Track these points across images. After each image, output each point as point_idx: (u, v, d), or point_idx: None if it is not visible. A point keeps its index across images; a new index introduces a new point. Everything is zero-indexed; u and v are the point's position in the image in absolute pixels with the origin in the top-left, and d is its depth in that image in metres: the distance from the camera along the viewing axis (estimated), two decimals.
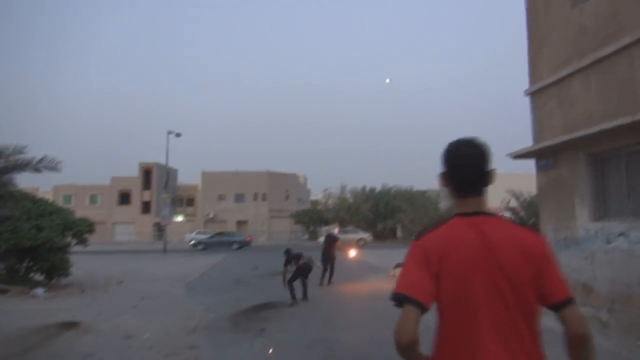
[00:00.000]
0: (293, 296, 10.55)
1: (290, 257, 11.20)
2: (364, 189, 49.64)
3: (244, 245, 37.04)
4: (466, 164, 1.69)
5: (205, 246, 36.55)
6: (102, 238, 50.82)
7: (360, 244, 34.19)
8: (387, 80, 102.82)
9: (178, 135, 35.94)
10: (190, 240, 38.85)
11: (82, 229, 13.98)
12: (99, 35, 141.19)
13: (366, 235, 38.33)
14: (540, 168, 8.66)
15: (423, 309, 1.54)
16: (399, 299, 1.57)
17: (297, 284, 10.84)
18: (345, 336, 7.34)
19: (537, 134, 8.77)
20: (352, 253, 18.58)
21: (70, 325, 8.19)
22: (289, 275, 10.96)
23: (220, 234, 40.00)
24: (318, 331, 7.73)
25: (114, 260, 25.42)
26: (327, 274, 13.92)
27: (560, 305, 1.57)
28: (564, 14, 8.10)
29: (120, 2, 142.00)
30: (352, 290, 12.82)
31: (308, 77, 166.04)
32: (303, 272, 11.08)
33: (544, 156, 8.49)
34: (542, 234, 1.68)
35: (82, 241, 14.25)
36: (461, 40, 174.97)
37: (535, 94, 8.86)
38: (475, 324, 1.55)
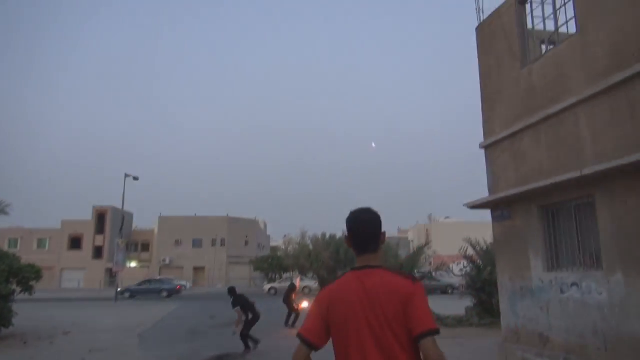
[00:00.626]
0: (247, 345, 10.57)
1: (238, 298, 10.92)
2: (324, 235, 49.39)
3: (173, 293, 35.36)
4: (361, 229, 2.09)
5: (132, 294, 35.01)
6: (50, 285, 48.11)
7: (305, 292, 36.32)
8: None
9: (135, 178, 35.17)
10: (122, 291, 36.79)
11: (28, 276, 13.22)
12: (56, 73, 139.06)
13: (312, 283, 39.09)
14: (495, 219, 8.91)
15: (312, 347, 2.02)
16: (299, 338, 2.04)
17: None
18: None
19: (492, 186, 9.07)
20: (305, 305, 18.52)
21: None
22: (241, 326, 10.71)
23: (149, 281, 38.36)
24: None
25: (62, 309, 24.00)
26: (293, 316, 14.81)
27: (420, 337, 1.81)
28: (514, 74, 8.60)
29: (80, 37, 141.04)
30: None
31: (270, 123, 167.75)
32: (256, 321, 11.07)
33: (499, 207, 8.76)
34: (413, 277, 2.03)
35: (28, 289, 13.46)
36: (430, 92, 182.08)
37: (489, 148, 9.23)
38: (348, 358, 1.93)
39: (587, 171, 6.39)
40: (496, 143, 9.01)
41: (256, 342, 10.80)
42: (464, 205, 9.52)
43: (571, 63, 7.27)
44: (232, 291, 11.14)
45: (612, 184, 6.40)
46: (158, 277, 51.09)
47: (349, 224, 2.11)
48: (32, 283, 13.51)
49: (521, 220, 8.25)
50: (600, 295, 6.49)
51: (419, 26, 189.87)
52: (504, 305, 8.61)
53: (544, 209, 7.83)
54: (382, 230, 2.10)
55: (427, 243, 15.70)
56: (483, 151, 9.52)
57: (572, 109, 7.14)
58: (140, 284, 37.25)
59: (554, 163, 7.48)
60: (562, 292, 7.20)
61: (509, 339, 8.37)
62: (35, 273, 13.52)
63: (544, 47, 8.94)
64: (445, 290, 31.38)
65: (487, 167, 9.28)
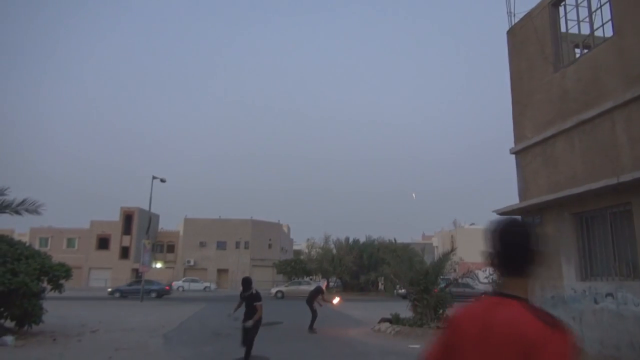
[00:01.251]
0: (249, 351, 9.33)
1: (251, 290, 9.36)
2: (347, 240, 49.32)
3: (162, 294, 35.65)
4: (508, 246, 1.70)
5: (122, 294, 35.45)
6: (78, 283, 49.18)
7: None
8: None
9: (163, 180, 35.72)
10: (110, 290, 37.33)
11: (58, 275, 13.49)
12: (85, 74, 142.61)
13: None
14: None
15: None
16: None
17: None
18: None
19: (523, 192, 8.89)
20: (336, 300, 19.07)
21: None
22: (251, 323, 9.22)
23: (138, 281, 38.78)
24: None
25: (89, 307, 24.49)
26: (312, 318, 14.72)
27: None
28: (546, 78, 8.42)
29: (108, 38, 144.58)
30: (338, 344, 12.45)
31: (295, 129, 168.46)
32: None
33: (529, 214, 8.56)
34: (554, 320, 1.53)
35: (58, 287, 13.73)
36: (455, 97, 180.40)
37: (520, 153, 9.05)
38: None
39: (624, 178, 6.19)
40: (527, 148, 8.82)
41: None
42: (493, 211, 9.33)
43: (607, 67, 7.07)
44: (249, 282, 9.48)
45: None
46: (182, 279, 51.88)
47: (494, 238, 1.73)
48: (62, 281, 13.78)
49: (553, 228, 8.05)
50: (638, 306, 6.27)
51: (433, 28, 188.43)
52: None
53: (577, 216, 7.62)
54: (537, 248, 1.69)
55: (453, 249, 15.47)
56: (512, 157, 9.35)
57: (608, 114, 6.94)
58: (130, 284, 38.00)
59: (588, 169, 7.27)
60: (596, 302, 6.98)
61: None
62: (65, 272, 13.79)
63: (578, 51, 8.73)
64: (479, 297, 30.87)
65: (517, 172, 9.10)
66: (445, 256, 15.64)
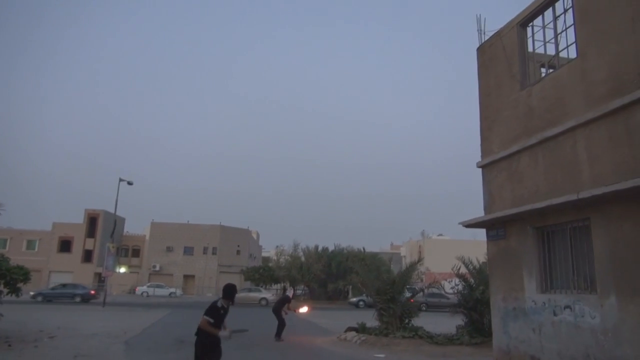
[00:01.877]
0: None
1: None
2: (316, 248, 49.25)
3: (87, 298, 34.64)
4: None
5: (45, 297, 34.42)
6: (38, 287, 47.48)
7: (262, 303, 36.47)
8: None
9: (130, 183, 35.01)
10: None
11: (16, 278, 13.02)
12: (54, 72, 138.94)
13: (268, 295, 39.18)
14: (490, 238, 8.92)
15: None
16: None
17: None
18: None
19: (488, 205, 9.10)
20: (304, 310, 19.16)
21: None
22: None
23: (64, 285, 37.65)
24: None
25: (48, 312, 23.69)
26: (280, 327, 14.62)
27: None
28: (513, 95, 8.68)
29: (79, 37, 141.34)
30: (304, 353, 12.39)
31: (268, 133, 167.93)
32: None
33: (494, 227, 8.77)
34: None
35: (15, 291, 13.25)
36: (427, 108, 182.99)
37: (486, 167, 9.27)
38: None
39: (583, 194, 6.42)
40: (493, 163, 9.04)
41: None
42: (459, 223, 9.53)
43: (571, 87, 7.34)
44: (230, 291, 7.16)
45: (608, 208, 6.43)
46: (147, 284, 50.77)
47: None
48: (20, 285, 13.31)
49: (516, 241, 8.26)
50: (594, 319, 6.48)
51: (417, 41, 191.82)
52: (496, 326, 8.57)
53: (539, 230, 7.84)
54: None
55: (420, 259, 15.68)
56: (476, 171, 9.58)
57: (571, 132, 7.19)
58: (53, 288, 36.79)
59: (550, 185, 7.51)
60: (555, 314, 7.18)
61: (500, 359, 8.32)
62: (23, 275, 13.33)
63: (543, 70, 9.03)
64: (419, 307, 31.57)
65: (483, 186, 9.31)
66: (412, 266, 15.81)
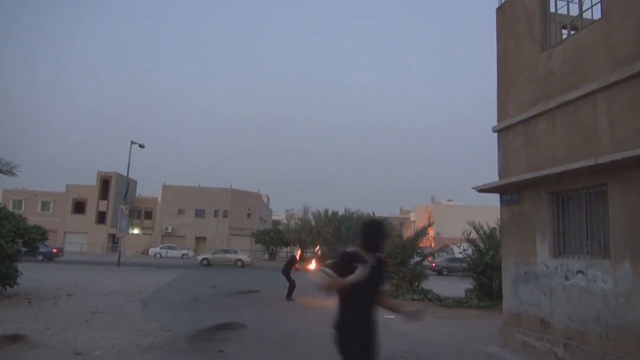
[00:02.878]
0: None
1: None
2: (326, 212, 49.64)
3: (50, 257, 34.00)
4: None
5: None
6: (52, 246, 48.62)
7: (238, 265, 36.78)
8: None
9: (141, 146, 35.18)
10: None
11: (34, 237, 13.32)
12: (64, 39, 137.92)
13: (244, 256, 39.13)
14: (504, 203, 8.87)
15: None
16: None
17: None
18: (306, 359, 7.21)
19: (503, 170, 9.01)
20: (312, 266, 19.57)
21: (16, 338, 7.71)
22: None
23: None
24: (278, 355, 7.57)
25: (65, 271, 24.32)
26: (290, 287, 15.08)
27: None
28: (533, 58, 8.45)
29: (89, 7, 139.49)
30: (311, 312, 12.66)
31: (276, 101, 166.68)
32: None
33: (508, 192, 8.71)
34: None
35: (34, 250, 13.58)
36: (438, 76, 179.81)
37: (502, 132, 9.13)
38: None
39: (602, 159, 6.32)
40: (510, 127, 8.90)
41: None
42: (473, 188, 9.47)
43: (593, 49, 7.13)
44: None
45: (626, 174, 6.34)
46: (160, 245, 51.66)
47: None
48: (38, 244, 13.62)
49: (530, 206, 8.22)
50: (606, 283, 6.50)
51: (422, 16, 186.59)
52: (506, 289, 8.65)
53: (554, 196, 7.78)
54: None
55: (431, 223, 15.76)
56: (488, 136, 9.45)
57: (591, 96, 7.02)
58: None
59: (568, 150, 7.40)
60: (567, 278, 7.21)
61: (510, 322, 8.43)
62: (41, 234, 13.62)
63: (565, 32, 8.75)
64: (441, 271, 31.85)
65: (498, 150, 9.20)
66: (422, 230, 15.91)
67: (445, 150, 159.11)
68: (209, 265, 36.34)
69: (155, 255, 48.49)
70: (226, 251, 40.33)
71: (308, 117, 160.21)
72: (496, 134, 9.32)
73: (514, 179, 8.20)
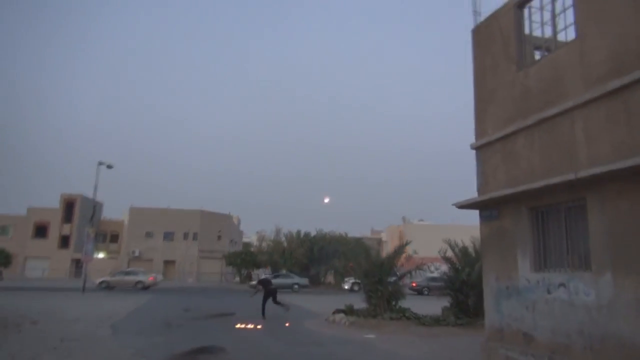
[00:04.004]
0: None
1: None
2: (298, 233, 49.37)
3: None
4: None
5: None
6: (12, 273, 46.53)
7: (139, 287, 34.03)
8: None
9: (109, 167, 34.30)
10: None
11: None
12: (22, 53, 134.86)
13: (145, 277, 35.61)
14: (484, 219, 9.00)
15: None
16: None
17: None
18: None
19: (482, 187, 9.16)
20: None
21: None
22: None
23: None
24: None
25: (26, 298, 23.25)
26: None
27: None
28: (509, 76, 8.71)
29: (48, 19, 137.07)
30: (294, 334, 12.43)
31: (245, 122, 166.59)
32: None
33: (487, 207, 8.85)
34: None
35: None
36: (413, 89, 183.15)
37: (480, 148, 9.32)
38: None
39: (582, 174, 6.50)
40: (488, 144, 9.09)
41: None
42: (453, 204, 9.58)
43: (569, 67, 7.39)
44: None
45: (605, 188, 6.53)
46: (127, 269, 50.09)
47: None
48: (0, 269, 13.00)
49: (510, 221, 8.36)
50: (588, 296, 6.62)
51: (409, 24, 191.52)
52: (488, 304, 8.70)
53: (533, 210, 7.94)
54: None
55: (407, 242, 15.83)
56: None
57: (568, 113, 7.26)
58: None
59: (546, 165, 7.59)
60: (549, 292, 7.31)
61: (492, 337, 8.47)
62: (4, 258, 13.01)
63: (538, 53, 9.05)
64: (421, 291, 31.93)
65: (477, 167, 9.37)
66: (400, 248, 15.95)
67: (414, 172, 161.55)
68: (107, 288, 34.02)
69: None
70: (126, 273, 37.65)
71: (277, 138, 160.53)
72: (474, 151, 9.50)
73: (494, 194, 8.34)
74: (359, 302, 16.00)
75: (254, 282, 38.06)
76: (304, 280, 38.44)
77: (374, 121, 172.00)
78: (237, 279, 51.18)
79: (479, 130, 9.41)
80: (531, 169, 7.93)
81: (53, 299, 23.06)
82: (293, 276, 39.36)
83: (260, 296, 16.61)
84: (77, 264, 52.29)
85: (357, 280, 36.29)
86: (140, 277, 35.36)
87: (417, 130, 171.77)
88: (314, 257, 44.94)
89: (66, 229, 57.09)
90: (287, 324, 14.35)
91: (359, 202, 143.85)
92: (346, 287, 38.40)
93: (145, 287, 34.35)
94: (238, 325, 13.87)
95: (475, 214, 9.33)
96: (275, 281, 36.84)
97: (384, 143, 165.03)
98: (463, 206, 9.39)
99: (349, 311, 15.32)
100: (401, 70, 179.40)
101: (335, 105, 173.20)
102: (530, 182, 7.69)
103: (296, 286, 37.12)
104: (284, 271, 41.36)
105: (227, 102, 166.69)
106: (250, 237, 79.71)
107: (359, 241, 39.26)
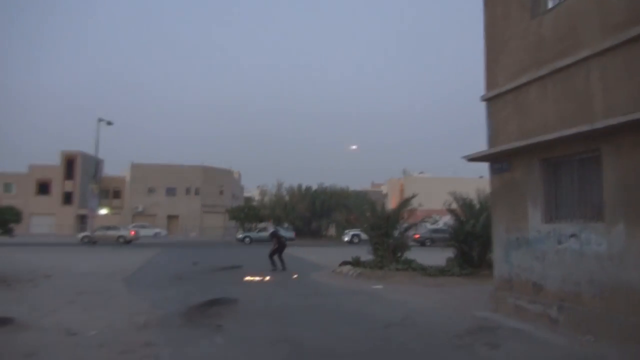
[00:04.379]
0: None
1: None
2: (300, 187, 49.67)
3: None
4: None
5: None
6: (17, 229, 47.14)
7: (120, 241, 35.19)
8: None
9: (110, 123, 34.15)
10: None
11: (7, 218, 12.82)
12: (22, 14, 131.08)
13: (126, 232, 37.18)
14: (494, 171, 8.99)
15: None
16: None
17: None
18: (306, 333, 7.23)
19: (492, 139, 9.09)
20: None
21: (3, 321, 7.44)
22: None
23: None
24: (276, 328, 7.55)
25: (35, 253, 23.66)
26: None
27: None
28: (522, 24, 8.46)
29: None
30: (302, 286, 12.70)
31: (248, 73, 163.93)
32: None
33: (498, 160, 8.82)
34: None
35: (8, 231, 13.10)
36: (419, 43, 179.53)
37: (491, 100, 9.18)
38: None
39: (598, 125, 6.43)
40: (499, 95, 8.95)
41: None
42: (463, 157, 9.52)
43: (586, 15, 7.17)
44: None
45: (620, 139, 6.47)
46: (131, 225, 50.65)
47: None
48: (12, 225, 13.15)
49: (521, 173, 8.35)
50: (600, 246, 6.69)
51: None
52: (498, 255, 8.83)
53: (545, 162, 7.91)
54: None
55: (414, 195, 15.91)
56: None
57: (584, 62, 7.09)
58: None
59: (560, 117, 7.50)
60: (559, 242, 7.39)
61: (501, 286, 8.64)
62: (14, 215, 13.13)
63: (551, 2, 8.74)
64: (424, 242, 32.33)
65: (487, 119, 9.26)
66: (406, 201, 16.05)
67: (414, 126, 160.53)
68: (91, 242, 34.58)
69: None
70: (108, 228, 38.29)
71: (278, 95, 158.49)
72: (484, 103, 9.37)
73: (506, 146, 8.28)
74: (362, 254, 16.27)
75: (241, 236, 38.74)
76: (290, 234, 38.78)
77: (374, 80, 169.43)
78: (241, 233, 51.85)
79: (490, 82, 9.24)
80: (544, 121, 7.83)
81: (61, 254, 23.47)
82: (280, 229, 40.05)
83: (265, 249, 16.97)
84: (82, 220, 52.83)
85: (357, 233, 36.98)
86: (121, 232, 36.17)
87: (416, 83, 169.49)
88: (315, 211, 45.41)
89: (69, 186, 57.34)
90: (294, 276, 14.63)
91: (358, 156, 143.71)
92: (346, 239, 38.91)
93: (127, 242, 35.10)
94: (247, 278, 14.15)
95: (475, 166, 9.38)
96: (260, 234, 37.99)
97: (383, 98, 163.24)
98: (474, 159, 9.35)
99: (356, 263, 15.59)
100: (398, 25, 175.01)
101: (337, 62, 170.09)
102: (542, 133, 7.62)
103: (122, 238, 36.51)
104: (268, 225, 42.22)
105: (229, 60, 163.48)
106: (251, 191, 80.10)
107: (360, 194, 39.65)
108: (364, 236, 36.43)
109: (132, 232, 36.80)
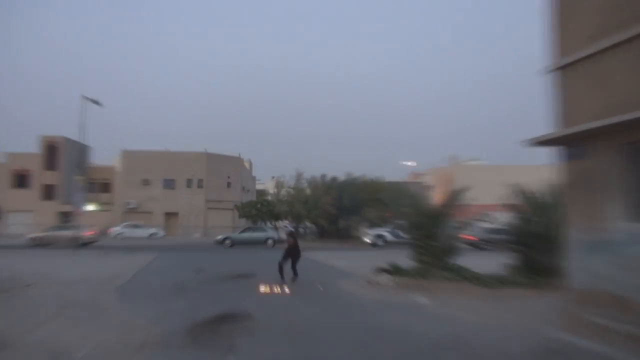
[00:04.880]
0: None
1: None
2: (323, 178, 49.50)
3: None
4: None
5: None
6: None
7: (78, 242, 33.60)
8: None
9: (96, 102, 34.43)
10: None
11: None
12: None
13: (82, 232, 35.49)
14: (567, 158, 8.84)
15: None
16: None
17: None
18: (335, 355, 7.26)
19: (562, 118, 8.93)
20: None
21: None
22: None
23: None
24: (299, 349, 7.62)
25: (12, 257, 24.31)
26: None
27: None
28: None
29: None
30: (328, 298, 12.74)
31: (258, 53, 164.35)
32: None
33: (572, 143, 8.67)
34: None
35: None
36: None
37: (560, 71, 9.01)
38: None
39: None
40: (570, 65, 8.80)
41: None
42: (523, 141, 9.39)
43: None
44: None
45: None
46: (122, 224, 51.58)
47: None
48: None
49: (600, 160, 8.20)
50: None
51: None
52: (571, 261, 8.72)
53: (631, 147, 7.75)
54: None
55: (467, 188, 15.76)
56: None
57: None
58: None
59: None
60: None
61: (576, 300, 8.53)
62: None
63: None
64: (477, 244, 32.07)
65: (555, 95, 9.11)
66: (457, 195, 15.90)
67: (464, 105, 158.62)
68: (42, 245, 34.79)
69: (116, 236, 48.30)
70: (60, 227, 38.42)
71: (291, 65, 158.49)
72: (550, 75, 9.21)
73: (582, 127, 8.13)
74: (397, 259, 16.28)
75: (221, 237, 38.95)
76: (278, 234, 39.46)
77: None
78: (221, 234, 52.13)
79: (559, 49, 9.06)
80: (628, 95, 7.66)
81: (44, 259, 24.05)
82: (267, 229, 41.24)
83: (256, 253, 17.04)
84: (65, 217, 53.99)
85: (381, 233, 36.89)
86: (76, 232, 35.56)
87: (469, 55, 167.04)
88: (343, 207, 45.22)
89: (50, 178, 58.57)
90: (320, 288, 14.70)
91: (390, 142, 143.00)
92: (367, 240, 38.52)
93: (85, 243, 35.02)
94: (262, 289, 14.28)
95: (536, 152, 9.18)
96: (243, 236, 38.22)
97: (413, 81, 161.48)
98: (540, 142, 9.23)
99: (395, 270, 15.56)
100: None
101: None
102: (625, 111, 7.45)
103: (270, 241, 38.09)
104: (259, 223, 44.37)
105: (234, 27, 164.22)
106: (264, 183, 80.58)
107: (397, 186, 39.25)
108: (390, 237, 36.34)
109: (91, 232, 37.00)
